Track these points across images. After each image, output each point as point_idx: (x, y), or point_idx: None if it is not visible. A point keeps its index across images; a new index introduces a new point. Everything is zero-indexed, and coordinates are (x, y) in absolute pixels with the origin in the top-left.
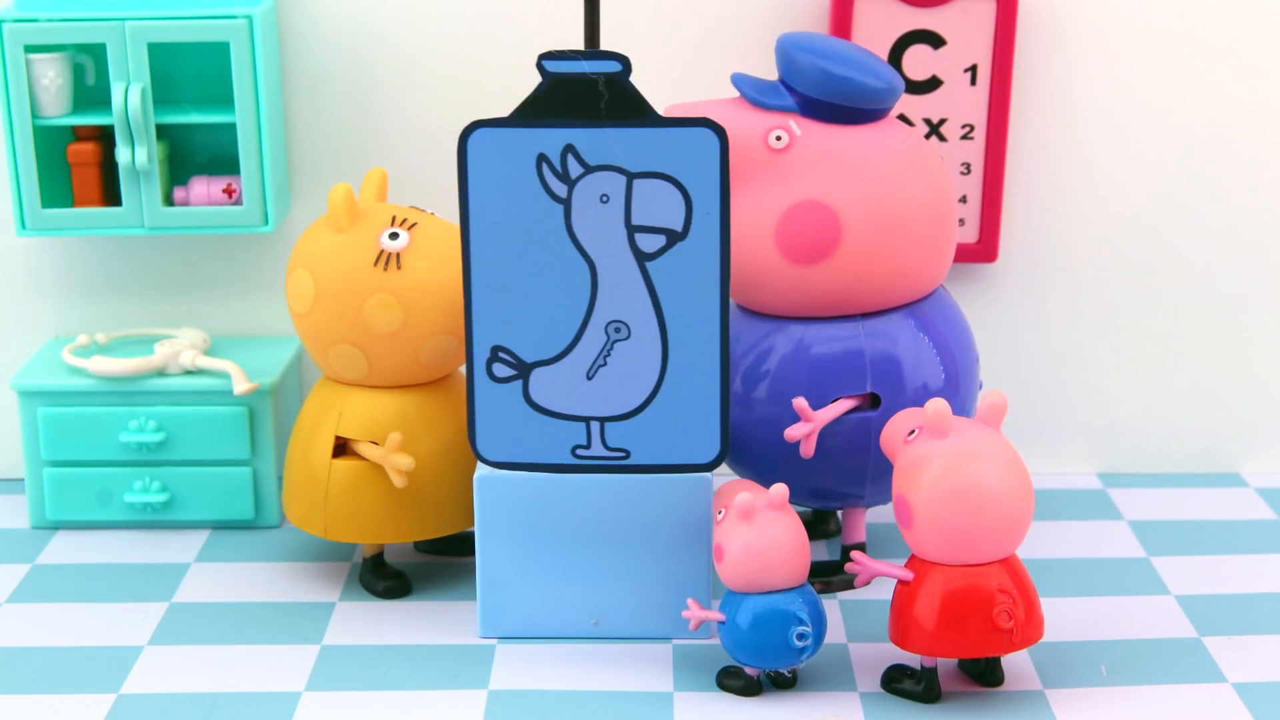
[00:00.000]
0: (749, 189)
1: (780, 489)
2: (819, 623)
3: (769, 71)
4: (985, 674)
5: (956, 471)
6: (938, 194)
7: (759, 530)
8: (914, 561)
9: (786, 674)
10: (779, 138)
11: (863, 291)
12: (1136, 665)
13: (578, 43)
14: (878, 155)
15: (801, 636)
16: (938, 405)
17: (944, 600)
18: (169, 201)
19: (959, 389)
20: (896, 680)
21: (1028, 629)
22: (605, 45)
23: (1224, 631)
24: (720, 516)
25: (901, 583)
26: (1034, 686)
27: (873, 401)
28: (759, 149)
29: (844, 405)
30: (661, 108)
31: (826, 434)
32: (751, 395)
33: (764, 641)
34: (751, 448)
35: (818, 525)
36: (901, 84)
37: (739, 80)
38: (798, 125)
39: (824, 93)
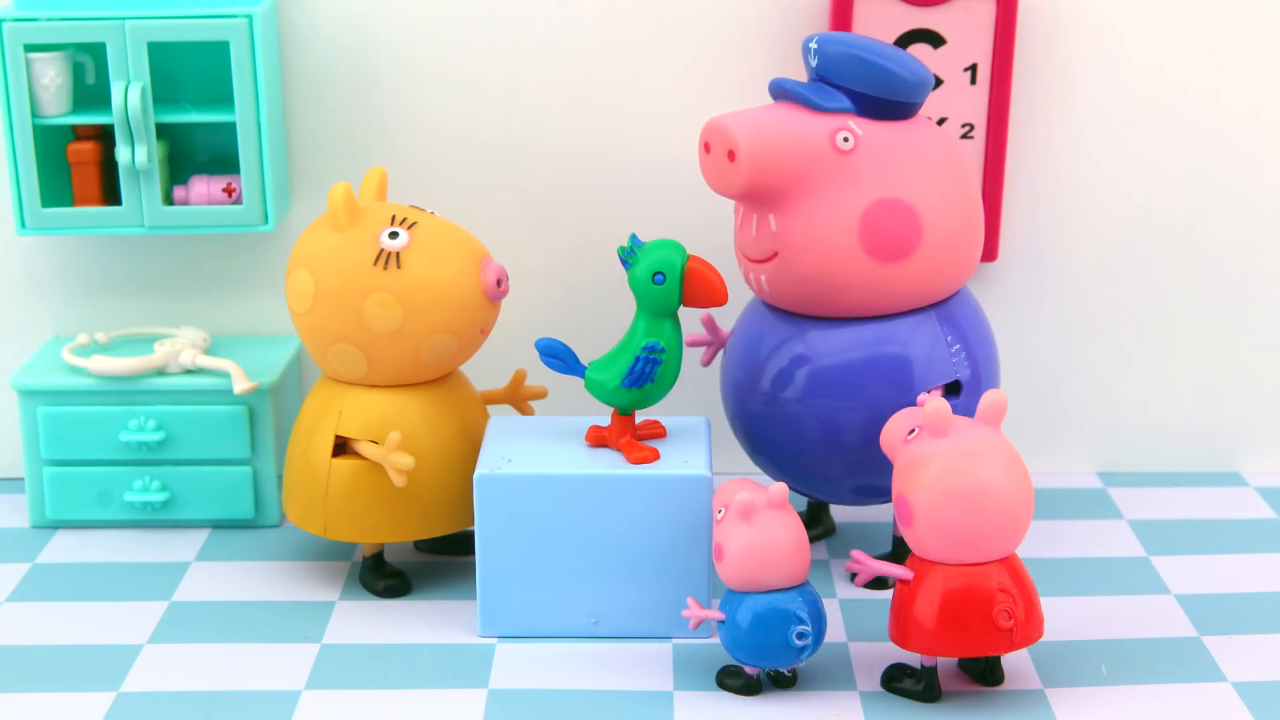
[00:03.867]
0: (823, 193)
1: (780, 488)
2: (819, 622)
3: (771, 71)
4: (985, 673)
5: (957, 471)
6: (974, 184)
7: (759, 529)
8: (914, 561)
9: (786, 673)
10: (846, 139)
11: (940, 284)
12: (1136, 665)
13: (576, 43)
14: (929, 149)
15: (801, 636)
16: (937, 404)
17: (944, 599)
18: (169, 201)
19: (983, 384)
20: (896, 679)
21: (1028, 628)
22: (606, 46)
23: (1224, 631)
24: (720, 515)
25: (901, 582)
26: (1034, 686)
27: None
28: (827, 152)
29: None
30: (662, 108)
31: (873, 427)
32: (781, 395)
33: (764, 640)
34: (781, 446)
35: (811, 526)
36: (931, 76)
37: (790, 85)
38: (857, 125)
39: (878, 89)
